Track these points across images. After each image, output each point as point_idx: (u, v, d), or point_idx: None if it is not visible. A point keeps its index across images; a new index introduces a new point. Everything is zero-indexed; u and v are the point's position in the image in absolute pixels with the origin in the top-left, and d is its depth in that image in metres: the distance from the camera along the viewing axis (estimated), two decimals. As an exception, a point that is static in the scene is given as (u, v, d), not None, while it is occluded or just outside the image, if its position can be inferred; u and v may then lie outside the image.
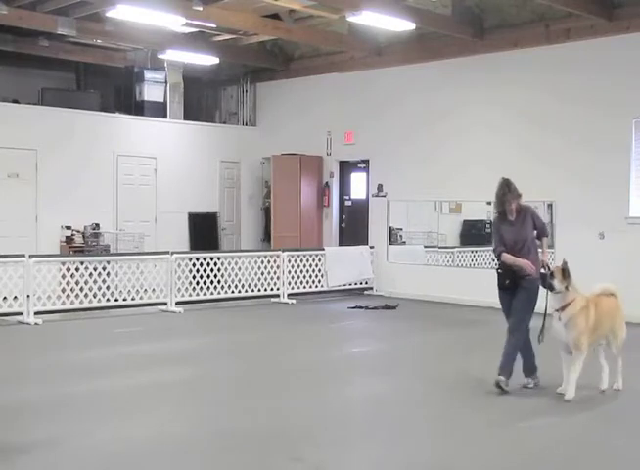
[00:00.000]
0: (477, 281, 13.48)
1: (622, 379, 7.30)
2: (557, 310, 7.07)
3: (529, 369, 7.52)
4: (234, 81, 17.44)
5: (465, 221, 14.28)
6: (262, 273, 13.96)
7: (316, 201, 16.08)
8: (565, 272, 7.13)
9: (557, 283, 7.09)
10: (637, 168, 11.77)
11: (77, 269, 11.75)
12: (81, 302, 11.69)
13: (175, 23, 12.34)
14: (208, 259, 13.07)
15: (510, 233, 7.44)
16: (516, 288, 7.35)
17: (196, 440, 5.83)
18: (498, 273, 7.46)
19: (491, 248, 13.56)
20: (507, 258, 7.35)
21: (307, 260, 14.18)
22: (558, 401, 6.91)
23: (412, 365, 8.73)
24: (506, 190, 7.34)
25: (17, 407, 6.66)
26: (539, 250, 7.56)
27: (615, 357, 7.27)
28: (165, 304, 12.33)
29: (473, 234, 14.19)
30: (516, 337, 7.32)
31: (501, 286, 7.45)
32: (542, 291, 7.25)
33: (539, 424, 6.26)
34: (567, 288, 7.08)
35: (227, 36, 15.01)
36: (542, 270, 7.25)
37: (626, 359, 7.40)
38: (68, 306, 11.61)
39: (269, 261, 13.90)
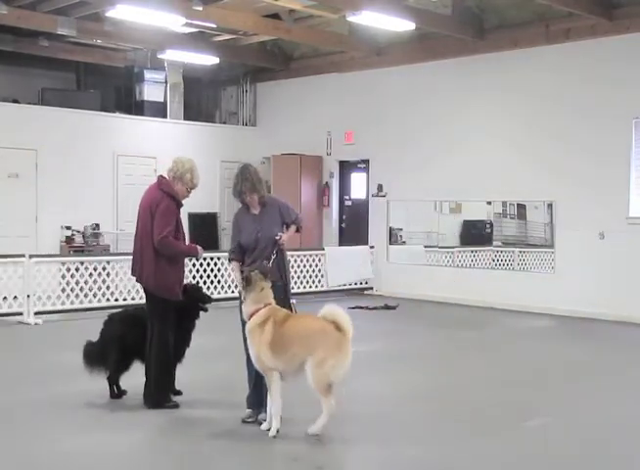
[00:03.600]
0: (477, 281, 13.50)
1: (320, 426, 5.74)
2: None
3: (256, 401, 6.16)
4: (234, 81, 17.44)
5: (465, 221, 14.28)
6: (262, 273, 13.93)
7: (316, 201, 16.08)
8: (247, 280, 5.81)
9: (242, 291, 5.89)
10: (637, 169, 11.77)
11: (77, 269, 11.75)
12: (81, 302, 11.69)
13: (175, 23, 12.35)
14: (208, 259, 13.06)
15: (251, 230, 6.13)
16: None
17: (192, 440, 5.82)
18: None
19: (491, 247, 13.78)
20: (233, 270, 6.21)
21: (307, 260, 14.17)
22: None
23: (412, 365, 8.73)
24: (239, 179, 6.12)
25: (17, 407, 6.67)
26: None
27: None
28: (165, 304, 12.31)
29: (473, 234, 14.19)
30: None
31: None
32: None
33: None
34: (244, 298, 5.83)
35: (227, 36, 15.01)
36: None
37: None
38: (68, 306, 11.61)
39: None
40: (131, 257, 6.89)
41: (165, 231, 6.45)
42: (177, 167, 6.74)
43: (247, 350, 6.16)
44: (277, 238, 6.06)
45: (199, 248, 6.72)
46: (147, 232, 6.55)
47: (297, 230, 6.30)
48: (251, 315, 5.82)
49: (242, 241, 6.19)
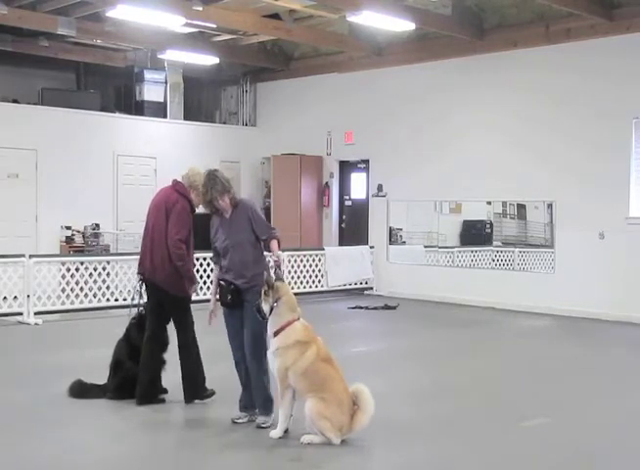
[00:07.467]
0: (477, 281, 13.50)
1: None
2: (273, 336, 5.76)
3: (246, 404, 6.20)
4: (234, 81, 17.44)
5: (465, 221, 14.27)
6: (262, 273, 13.93)
7: (316, 201, 16.08)
8: (267, 286, 5.72)
9: (264, 306, 5.69)
10: (637, 168, 11.78)
11: (77, 269, 11.75)
12: (81, 302, 11.69)
13: (175, 22, 12.35)
14: (208, 259, 13.02)
15: (222, 237, 6.11)
16: (242, 306, 5.97)
17: (191, 440, 5.82)
18: (220, 285, 6.14)
19: (491, 247, 13.77)
20: (213, 278, 6.27)
21: (307, 260, 14.18)
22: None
23: (412, 365, 8.73)
24: (208, 187, 5.99)
25: (16, 407, 6.66)
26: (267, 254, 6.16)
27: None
28: (165, 304, 12.30)
29: (473, 234, 14.19)
30: (258, 367, 5.98)
31: (223, 302, 6.12)
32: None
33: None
34: (276, 302, 5.69)
35: (227, 36, 15.00)
36: (272, 273, 5.96)
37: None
38: (68, 306, 11.61)
39: (269, 261, 13.85)
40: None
41: (182, 233, 6.51)
42: (195, 178, 6.65)
43: (234, 351, 6.18)
44: (275, 259, 6.00)
45: (195, 284, 6.69)
46: (160, 229, 6.56)
47: (279, 244, 6.13)
48: (285, 326, 5.71)
49: (216, 245, 6.19)
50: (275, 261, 6.01)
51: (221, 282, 6.10)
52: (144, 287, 6.81)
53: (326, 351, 5.82)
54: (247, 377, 6.16)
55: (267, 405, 6.04)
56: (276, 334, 5.73)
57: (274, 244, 6.07)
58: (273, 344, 5.75)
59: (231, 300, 6.01)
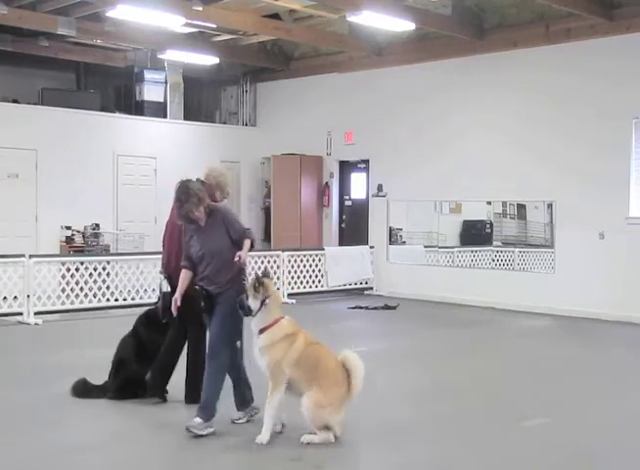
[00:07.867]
0: (477, 281, 13.50)
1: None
2: (258, 333, 5.74)
3: (241, 401, 6.18)
4: (234, 81, 17.44)
5: (465, 221, 14.27)
6: (262, 273, 13.93)
7: (316, 201, 16.08)
8: (258, 282, 5.69)
9: (252, 302, 5.67)
10: (637, 168, 11.77)
11: (77, 269, 11.74)
12: (81, 302, 11.68)
13: (175, 22, 12.35)
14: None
15: (197, 246, 5.94)
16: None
17: (191, 440, 5.82)
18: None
19: (491, 248, 13.77)
20: (180, 279, 6.03)
21: (307, 260, 14.18)
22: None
23: (412, 365, 8.73)
24: (182, 201, 5.89)
25: (16, 407, 6.66)
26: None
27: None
28: (165, 304, 12.29)
29: (473, 234, 14.19)
30: (214, 366, 5.87)
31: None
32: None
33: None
34: (263, 303, 5.68)
35: (227, 36, 15.00)
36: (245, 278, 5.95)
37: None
38: (68, 306, 11.61)
39: (269, 261, 13.90)
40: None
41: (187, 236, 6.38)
42: (220, 179, 6.69)
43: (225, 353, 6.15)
44: (236, 260, 5.79)
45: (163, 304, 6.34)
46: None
47: (252, 245, 5.99)
48: (271, 324, 5.73)
49: (191, 252, 6.03)
50: (238, 263, 5.82)
51: (196, 287, 6.02)
52: (167, 288, 6.69)
53: (312, 337, 5.83)
54: (237, 375, 6.16)
55: (205, 409, 5.81)
56: (262, 331, 5.72)
57: (245, 243, 5.91)
58: (260, 341, 5.72)
59: (205, 305, 5.97)
